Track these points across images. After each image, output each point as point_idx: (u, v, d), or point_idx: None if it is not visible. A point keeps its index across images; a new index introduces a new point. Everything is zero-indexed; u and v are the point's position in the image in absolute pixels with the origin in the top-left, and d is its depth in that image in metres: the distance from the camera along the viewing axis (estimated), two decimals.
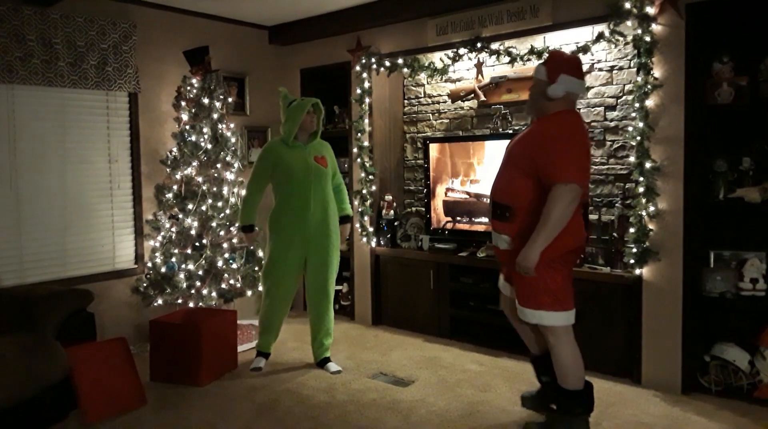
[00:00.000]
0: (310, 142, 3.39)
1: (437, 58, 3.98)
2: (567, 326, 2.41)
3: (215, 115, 3.77)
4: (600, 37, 3.20)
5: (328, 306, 3.42)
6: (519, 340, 3.57)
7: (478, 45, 3.65)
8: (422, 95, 4.40)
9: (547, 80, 2.37)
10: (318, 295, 3.39)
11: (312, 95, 4.73)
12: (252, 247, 3.74)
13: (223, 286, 3.70)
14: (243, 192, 3.50)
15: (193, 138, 3.70)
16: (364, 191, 4.24)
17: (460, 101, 4.14)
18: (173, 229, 3.66)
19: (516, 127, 3.87)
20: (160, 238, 3.68)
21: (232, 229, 3.79)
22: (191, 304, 3.64)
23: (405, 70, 4.07)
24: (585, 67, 2.84)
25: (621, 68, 3.42)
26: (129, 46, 3.80)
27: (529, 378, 3.21)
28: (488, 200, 2.60)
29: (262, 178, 3.34)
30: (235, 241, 3.80)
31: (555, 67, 2.38)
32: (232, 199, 3.81)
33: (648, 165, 3.00)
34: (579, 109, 3.58)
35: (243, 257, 3.82)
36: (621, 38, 3.13)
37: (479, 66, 3.90)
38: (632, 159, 3.09)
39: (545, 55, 3.41)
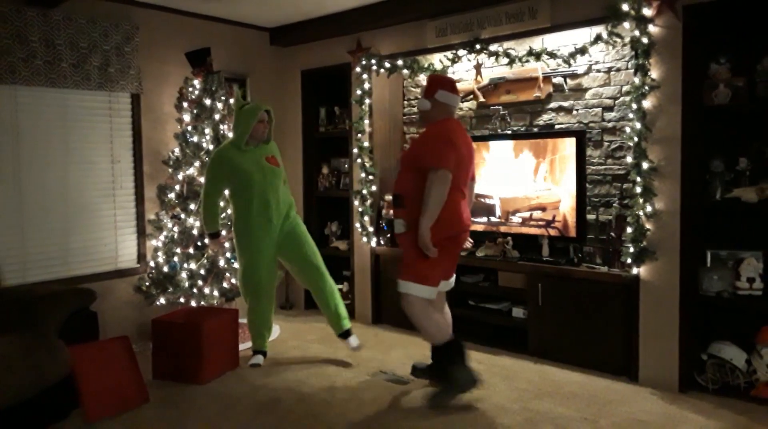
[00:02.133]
0: (261, 145, 3.44)
1: (437, 60, 4.01)
2: (423, 299, 2.87)
3: (217, 116, 3.79)
4: (598, 38, 3.22)
5: (325, 276, 3.52)
6: (518, 338, 3.61)
7: (477, 46, 3.67)
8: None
9: (429, 102, 2.94)
10: (311, 270, 3.48)
11: (313, 96, 4.80)
12: (215, 253, 3.66)
13: (225, 285, 3.73)
14: (200, 198, 3.45)
15: (195, 139, 3.73)
16: (364, 191, 4.27)
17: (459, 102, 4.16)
18: (175, 229, 3.69)
19: (515, 128, 3.89)
20: (162, 237, 3.71)
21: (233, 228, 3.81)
22: (193, 303, 3.67)
23: (405, 71, 4.10)
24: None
25: (619, 69, 3.45)
26: (131, 47, 3.83)
27: (527, 376, 3.24)
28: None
29: (219, 181, 3.35)
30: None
31: (430, 87, 2.96)
32: None
33: (645, 165, 3.03)
34: (577, 109, 3.62)
35: None
36: (619, 40, 3.16)
37: (478, 67, 3.93)
38: (629, 159, 3.11)
39: (543, 57, 3.45)
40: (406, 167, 2.93)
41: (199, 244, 3.70)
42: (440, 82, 2.99)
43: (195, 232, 3.68)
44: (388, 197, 4.28)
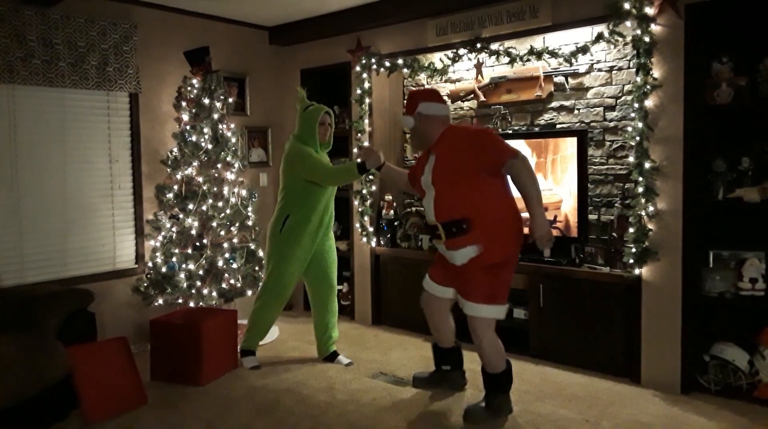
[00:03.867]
0: (323, 151, 3.41)
1: (437, 59, 3.99)
2: (494, 321, 2.69)
3: (216, 116, 3.77)
4: (599, 37, 3.20)
5: (335, 300, 3.54)
6: (519, 340, 3.59)
7: (478, 45, 3.66)
8: None
9: (412, 118, 2.73)
10: (329, 290, 3.49)
11: (312, 96, 4.76)
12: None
13: (224, 285, 3.71)
14: (324, 174, 3.22)
15: (194, 138, 3.71)
16: (364, 191, 4.25)
17: (459, 101, 4.15)
18: (174, 229, 3.67)
19: (516, 127, 3.87)
20: (160, 238, 3.69)
21: (232, 229, 3.79)
22: (192, 304, 3.65)
23: (405, 70, 4.08)
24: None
25: (620, 68, 3.43)
26: (130, 46, 3.81)
27: (528, 377, 3.22)
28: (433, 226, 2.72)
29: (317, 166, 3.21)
30: (235, 240, 3.80)
31: (410, 102, 2.76)
32: (233, 199, 3.82)
33: (647, 165, 3.01)
34: (579, 109, 3.60)
35: (243, 257, 3.82)
36: (620, 39, 3.14)
37: (479, 66, 3.91)
38: (631, 159, 3.10)
39: (544, 56, 3.43)
40: (453, 187, 2.58)
41: (197, 244, 3.68)
42: (420, 95, 2.79)
43: (193, 232, 3.66)
44: (389, 197, 4.27)
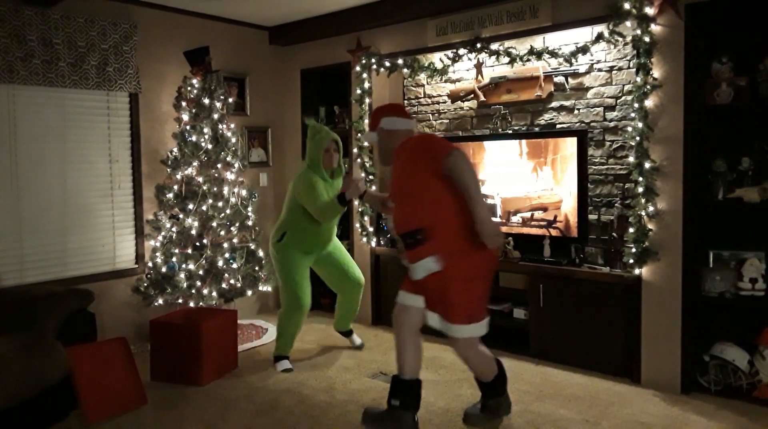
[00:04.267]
0: (336, 178, 3.47)
1: (437, 59, 3.99)
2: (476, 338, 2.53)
3: (216, 116, 3.77)
4: (599, 37, 3.20)
5: (360, 291, 3.70)
6: (519, 340, 3.59)
7: (478, 45, 3.66)
8: (422, 95, 4.40)
9: (375, 134, 2.69)
10: (351, 285, 3.63)
11: (312, 95, 4.78)
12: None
13: (224, 285, 3.71)
14: (315, 206, 3.25)
15: (194, 138, 3.71)
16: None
17: (459, 101, 4.15)
18: (174, 229, 3.67)
19: (516, 127, 3.87)
20: (160, 238, 3.69)
21: (232, 228, 3.79)
22: (192, 304, 3.65)
23: (405, 70, 4.08)
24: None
25: (620, 68, 3.43)
26: (129, 46, 3.81)
27: (528, 377, 3.22)
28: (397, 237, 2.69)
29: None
30: (235, 240, 3.80)
31: (374, 119, 2.72)
32: (233, 199, 3.82)
33: (647, 165, 3.01)
34: (579, 109, 3.60)
35: (243, 257, 3.82)
36: (620, 39, 3.14)
37: (479, 66, 3.90)
38: (631, 159, 3.10)
39: (544, 56, 3.43)
40: (406, 198, 2.50)
41: (197, 244, 3.68)
42: (382, 110, 2.72)
43: (193, 232, 3.66)
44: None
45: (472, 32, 3.70)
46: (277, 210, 4.84)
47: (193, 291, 3.62)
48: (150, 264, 3.71)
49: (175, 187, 3.70)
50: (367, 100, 4.20)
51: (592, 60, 3.49)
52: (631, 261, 3.07)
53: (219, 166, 3.76)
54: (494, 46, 3.62)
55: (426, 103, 4.38)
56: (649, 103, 3.01)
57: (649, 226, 3.03)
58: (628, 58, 3.35)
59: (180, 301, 3.64)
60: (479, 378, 2.67)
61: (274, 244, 3.43)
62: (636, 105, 3.03)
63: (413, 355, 2.62)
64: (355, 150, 4.29)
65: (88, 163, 3.77)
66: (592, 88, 3.55)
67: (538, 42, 3.60)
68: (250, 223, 3.91)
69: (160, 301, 3.64)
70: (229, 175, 3.81)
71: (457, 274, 2.39)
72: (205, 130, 3.73)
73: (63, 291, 3.02)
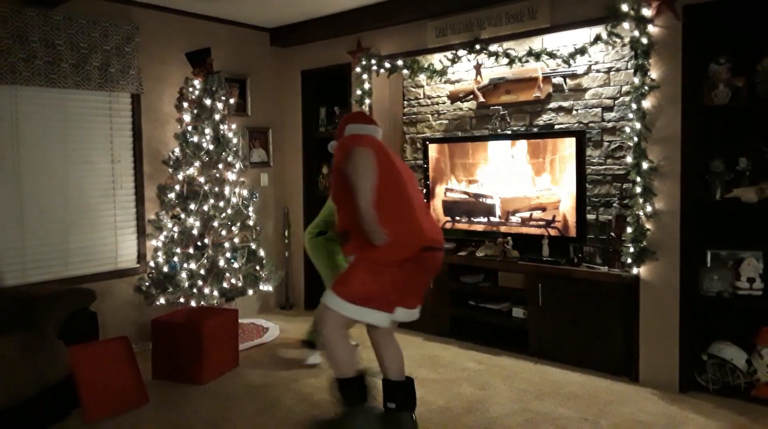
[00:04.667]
0: None
1: (436, 60, 4.01)
2: (343, 320, 2.41)
3: (217, 116, 3.79)
4: (597, 38, 3.22)
5: None
6: (518, 339, 3.61)
7: (477, 47, 3.68)
8: (422, 96, 4.43)
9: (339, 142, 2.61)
10: None
11: (313, 96, 4.80)
12: None
13: (225, 285, 3.73)
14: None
15: (195, 139, 3.73)
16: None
17: (459, 102, 4.17)
18: (175, 229, 3.68)
19: (515, 128, 3.89)
20: (162, 237, 3.71)
21: (233, 228, 3.81)
22: (193, 303, 3.66)
23: (405, 71, 4.10)
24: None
25: (618, 70, 3.45)
26: (132, 47, 3.83)
27: (527, 376, 3.24)
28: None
29: None
30: (236, 240, 3.82)
31: (340, 128, 2.68)
32: (234, 199, 3.84)
33: (645, 165, 3.03)
34: (577, 110, 3.61)
35: (244, 256, 3.84)
36: (618, 40, 3.17)
37: (478, 67, 3.93)
38: (629, 159, 3.11)
39: (543, 57, 3.46)
40: (337, 202, 2.58)
41: (199, 244, 3.70)
42: (346, 119, 2.71)
43: (195, 232, 3.68)
44: None
45: (471, 34, 3.72)
46: (277, 210, 4.87)
47: (195, 290, 3.64)
48: (152, 263, 3.73)
49: (177, 187, 3.72)
50: (367, 101, 4.22)
51: (591, 61, 3.51)
52: (629, 260, 3.09)
53: (220, 166, 3.78)
54: (493, 48, 3.64)
55: (426, 104, 4.40)
56: (646, 103, 3.03)
57: (647, 225, 3.05)
58: (626, 59, 3.37)
59: (181, 300, 3.66)
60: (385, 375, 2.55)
61: (311, 240, 3.42)
62: (634, 106, 3.05)
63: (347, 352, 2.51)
64: None
65: (91, 164, 3.79)
66: (591, 88, 3.57)
67: (536, 43, 3.62)
68: (251, 222, 3.93)
69: (162, 301, 3.65)
70: (231, 176, 3.83)
71: (364, 260, 2.41)
72: (207, 130, 3.75)
73: (65, 290, 3.04)
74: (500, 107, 3.90)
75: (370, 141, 2.51)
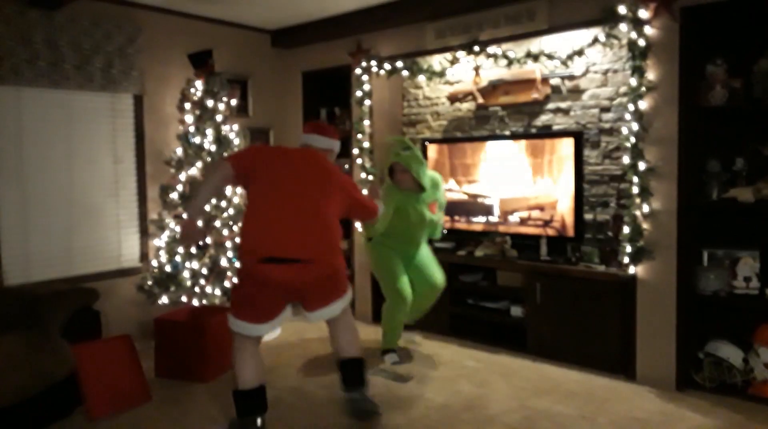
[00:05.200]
0: (426, 191, 3.43)
1: (436, 61, 4.04)
2: (238, 333, 2.55)
3: (219, 117, 3.82)
4: (595, 40, 3.24)
5: (433, 298, 3.61)
6: (516, 337, 3.64)
7: (476, 48, 3.70)
8: (421, 97, 4.46)
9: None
10: (429, 290, 3.54)
11: (313, 97, 4.83)
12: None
13: (227, 284, 3.75)
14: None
15: (197, 139, 3.75)
16: (365, 191, 4.29)
17: (458, 103, 4.20)
18: (177, 229, 3.71)
19: (513, 129, 3.92)
20: (164, 237, 3.73)
21: (234, 228, 3.83)
22: (195, 302, 3.69)
23: (404, 72, 4.12)
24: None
25: (616, 71, 3.48)
26: (134, 49, 3.87)
27: (526, 374, 3.27)
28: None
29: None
30: (237, 239, 3.84)
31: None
32: (235, 199, 3.86)
33: (642, 166, 3.05)
34: (575, 111, 3.64)
35: None
36: (616, 41, 3.19)
37: (477, 69, 3.95)
38: (627, 160, 3.13)
39: (541, 58, 3.48)
40: None
41: (200, 243, 3.72)
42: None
43: None
44: None
45: (470, 35, 3.75)
46: None
47: (197, 289, 3.67)
48: (154, 263, 3.75)
49: (179, 187, 3.75)
50: (367, 102, 4.25)
51: (588, 63, 3.54)
52: (627, 260, 3.12)
53: None
54: (492, 49, 3.66)
55: (425, 105, 4.43)
56: (644, 104, 3.05)
57: (644, 225, 3.08)
58: (624, 60, 3.40)
59: (184, 299, 3.68)
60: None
61: (366, 244, 3.57)
62: (631, 107, 3.08)
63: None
64: (355, 151, 4.34)
65: (93, 164, 3.82)
66: (588, 90, 3.60)
67: (534, 45, 3.64)
68: None
69: (165, 299, 3.67)
70: None
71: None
72: (208, 131, 3.77)
73: (68, 289, 3.06)
74: (499, 108, 3.93)
75: (289, 148, 2.70)
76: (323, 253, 2.49)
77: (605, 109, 3.54)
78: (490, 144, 3.84)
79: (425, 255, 3.60)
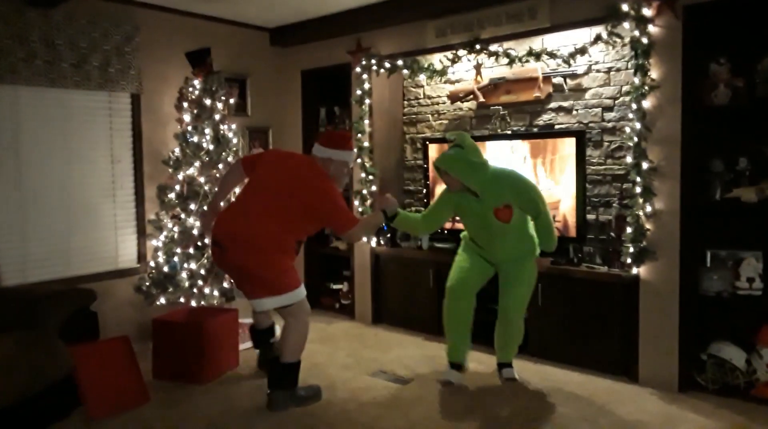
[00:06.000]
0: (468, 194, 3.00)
1: (436, 60, 4.01)
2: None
3: (217, 116, 3.79)
4: (597, 38, 3.22)
5: (510, 325, 3.16)
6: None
7: (477, 47, 3.68)
8: (422, 96, 4.43)
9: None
10: (507, 301, 3.11)
11: (313, 96, 4.81)
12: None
13: (225, 285, 3.73)
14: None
15: (195, 139, 3.73)
16: (365, 191, 4.27)
17: (459, 102, 4.17)
18: (175, 229, 3.69)
19: (515, 128, 3.90)
20: (162, 237, 3.71)
21: None
22: (193, 303, 3.67)
23: (405, 71, 4.10)
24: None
25: (618, 70, 3.45)
26: (132, 47, 3.84)
27: (527, 376, 3.25)
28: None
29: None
30: None
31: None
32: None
33: (645, 165, 3.03)
34: (577, 110, 3.61)
35: None
36: (618, 40, 3.16)
37: (478, 67, 3.93)
38: (629, 159, 3.11)
39: (543, 57, 3.46)
40: None
41: (199, 244, 3.70)
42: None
43: (195, 232, 3.68)
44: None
45: (471, 34, 3.72)
46: None
47: (195, 290, 3.65)
48: (152, 263, 3.73)
49: (177, 187, 3.72)
50: (367, 101, 4.22)
51: (591, 61, 3.51)
52: (629, 260, 3.09)
53: (220, 166, 3.78)
54: (493, 48, 3.64)
55: (426, 104, 4.41)
56: (646, 103, 3.03)
57: (647, 225, 3.06)
58: (626, 59, 3.37)
59: (182, 300, 3.66)
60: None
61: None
62: (634, 106, 3.05)
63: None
64: (355, 150, 4.31)
65: (91, 163, 3.79)
66: (591, 88, 3.57)
67: (536, 43, 3.62)
68: None
69: (162, 300, 3.66)
70: None
71: None
72: (207, 130, 3.75)
73: (65, 290, 3.05)
74: (500, 107, 3.90)
75: (271, 152, 3.18)
76: (240, 245, 2.72)
77: (608, 108, 3.52)
78: (491, 143, 3.81)
79: (510, 272, 3.09)
